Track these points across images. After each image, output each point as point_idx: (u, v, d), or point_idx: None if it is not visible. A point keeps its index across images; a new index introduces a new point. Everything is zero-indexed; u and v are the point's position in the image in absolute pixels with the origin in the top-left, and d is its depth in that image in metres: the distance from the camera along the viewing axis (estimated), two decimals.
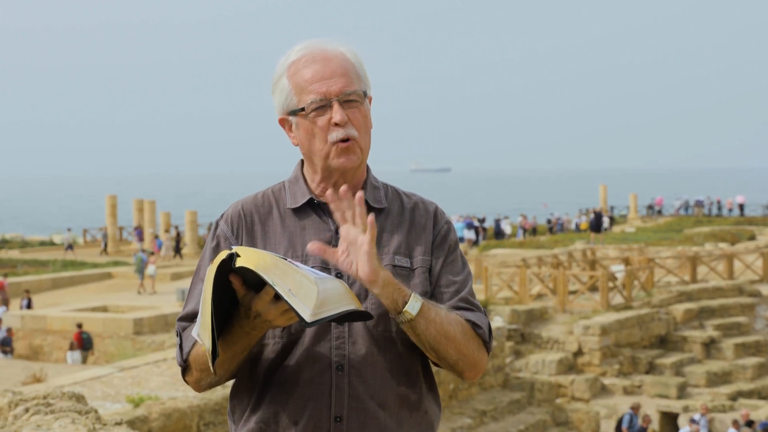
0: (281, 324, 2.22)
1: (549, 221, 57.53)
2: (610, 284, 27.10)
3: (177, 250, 41.70)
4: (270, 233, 2.46)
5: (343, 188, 2.26)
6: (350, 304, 2.17)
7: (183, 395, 13.83)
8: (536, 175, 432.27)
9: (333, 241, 2.40)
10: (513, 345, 24.39)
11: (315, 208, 2.46)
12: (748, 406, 21.89)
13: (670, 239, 43.91)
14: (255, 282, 2.16)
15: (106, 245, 43.75)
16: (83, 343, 22.00)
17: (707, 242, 40.94)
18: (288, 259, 2.15)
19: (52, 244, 50.45)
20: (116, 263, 38.68)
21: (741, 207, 63.27)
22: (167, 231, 44.02)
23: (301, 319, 2.09)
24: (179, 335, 2.43)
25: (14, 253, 44.00)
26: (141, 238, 42.41)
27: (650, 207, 66.24)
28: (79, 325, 22.26)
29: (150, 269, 30.57)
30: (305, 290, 2.09)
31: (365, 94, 2.42)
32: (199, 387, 2.44)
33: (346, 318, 2.20)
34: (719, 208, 65.16)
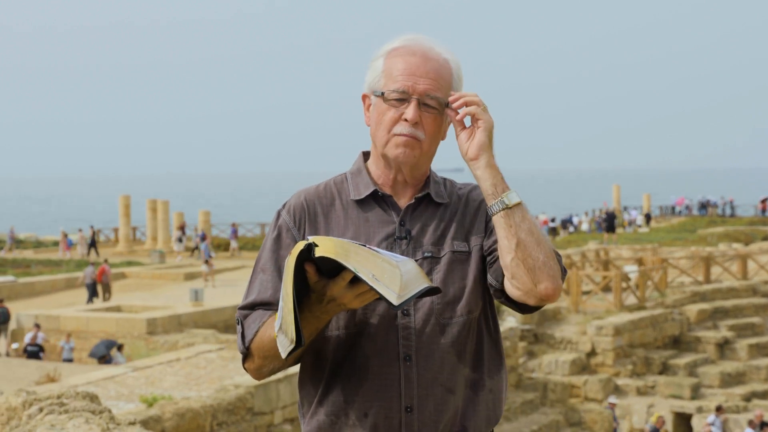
0: (356, 306, 2.23)
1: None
2: (624, 284, 27.05)
3: (92, 246, 42.62)
4: (333, 224, 2.45)
5: None
6: (425, 282, 2.20)
7: (196, 395, 13.86)
8: (544, 176, 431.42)
9: (396, 233, 2.42)
10: (526, 345, 24.34)
11: (378, 200, 2.46)
12: (762, 407, 21.81)
13: (684, 239, 43.76)
14: (329, 268, 2.16)
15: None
16: (1, 317, 23.95)
17: (721, 242, 40.79)
18: (367, 245, 2.17)
19: None
20: (129, 263, 38.75)
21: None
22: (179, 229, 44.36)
23: (389, 303, 2.11)
24: (240, 323, 2.42)
25: (28, 253, 44.15)
26: (204, 238, 43.08)
27: (673, 210, 66.06)
28: (0, 300, 24.68)
29: (203, 267, 32.73)
30: (389, 275, 2.12)
31: (448, 105, 2.41)
32: (260, 374, 2.44)
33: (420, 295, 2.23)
34: (732, 209, 64.87)
